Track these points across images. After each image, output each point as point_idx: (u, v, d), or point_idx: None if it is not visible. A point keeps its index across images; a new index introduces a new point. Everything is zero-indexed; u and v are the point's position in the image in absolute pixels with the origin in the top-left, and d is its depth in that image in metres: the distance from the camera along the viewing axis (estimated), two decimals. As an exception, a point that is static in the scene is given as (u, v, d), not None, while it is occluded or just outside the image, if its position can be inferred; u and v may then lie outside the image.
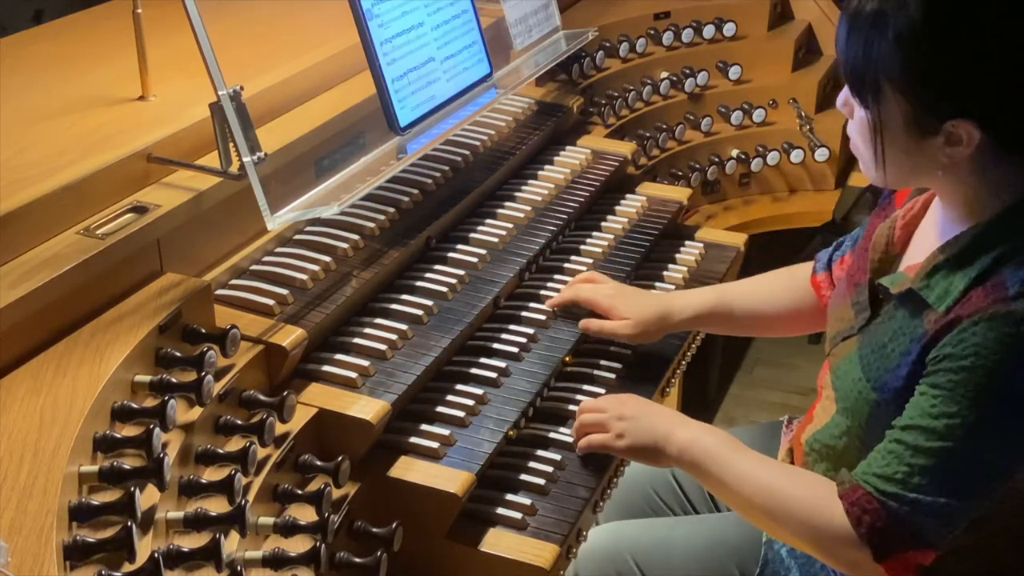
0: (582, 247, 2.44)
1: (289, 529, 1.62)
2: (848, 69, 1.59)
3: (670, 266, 2.50)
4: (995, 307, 1.50)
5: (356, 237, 2.11)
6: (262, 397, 1.74)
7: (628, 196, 2.68)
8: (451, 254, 2.25)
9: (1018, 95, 1.51)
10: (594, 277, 2.25)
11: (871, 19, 1.52)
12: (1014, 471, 1.57)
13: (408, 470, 1.79)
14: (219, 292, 1.90)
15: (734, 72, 3.32)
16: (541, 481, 1.88)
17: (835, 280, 2.02)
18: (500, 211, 2.42)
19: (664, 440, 1.81)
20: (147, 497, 1.45)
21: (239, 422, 1.68)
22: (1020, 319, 1.48)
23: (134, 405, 1.54)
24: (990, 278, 1.54)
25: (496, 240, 2.32)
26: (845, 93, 1.63)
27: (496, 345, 2.10)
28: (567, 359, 2.14)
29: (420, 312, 2.05)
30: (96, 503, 1.38)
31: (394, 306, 2.06)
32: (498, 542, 1.76)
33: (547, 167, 2.64)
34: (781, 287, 2.15)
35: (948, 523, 1.56)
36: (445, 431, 1.86)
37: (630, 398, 1.94)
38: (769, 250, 3.30)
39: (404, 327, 2.00)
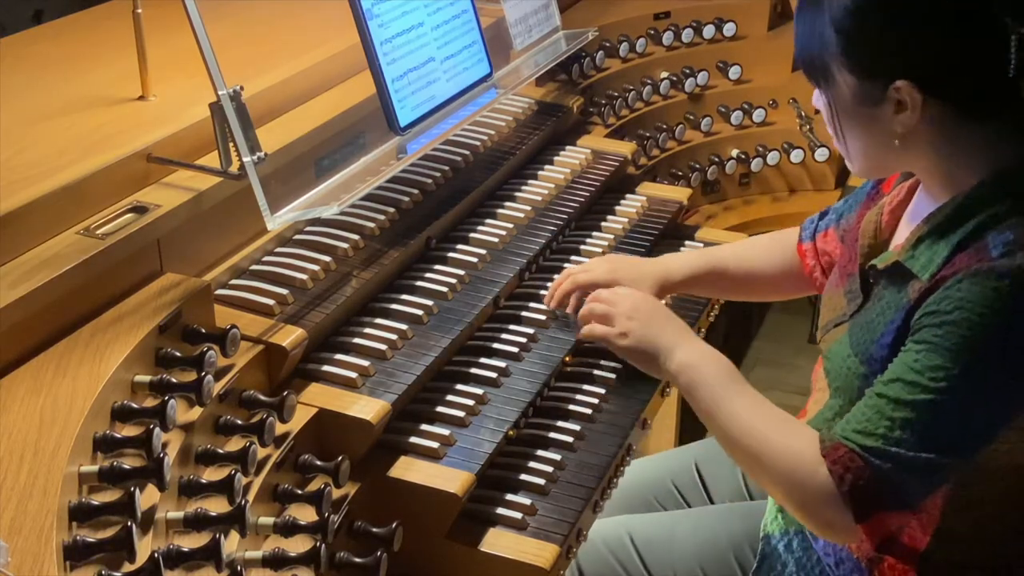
0: (582, 247, 2.44)
1: (289, 529, 1.62)
2: (801, 58, 1.68)
3: (670, 266, 2.49)
4: (979, 265, 1.52)
5: (356, 237, 2.11)
6: (262, 397, 1.74)
7: (628, 196, 2.68)
8: (451, 254, 2.25)
9: (943, 49, 1.54)
10: (586, 271, 2.17)
11: (813, 4, 1.64)
12: (997, 429, 1.56)
13: (408, 470, 1.79)
14: (219, 292, 1.90)
15: (734, 72, 3.32)
16: (541, 481, 1.88)
17: (819, 252, 2.04)
18: (500, 211, 2.42)
19: (666, 353, 1.81)
20: (147, 497, 1.45)
21: (239, 422, 1.68)
22: (1004, 274, 1.50)
23: (134, 405, 1.54)
24: (973, 243, 1.56)
25: (496, 240, 2.32)
26: (816, 91, 1.70)
27: (496, 345, 2.10)
28: (567, 359, 2.14)
29: (420, 312, 2.05)
30: (96, 503, 1.38)
31: (394, 306, 2.06)
32: (498, 542, 1.76)
33: (547, 167, 2.64)
34: (769, 251, 2.18)
35: (928, 481, 1.56)
36: (445, 431, 1.86)
37: (645, 299, 1.93)
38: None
39: (404, 327, 2.00)
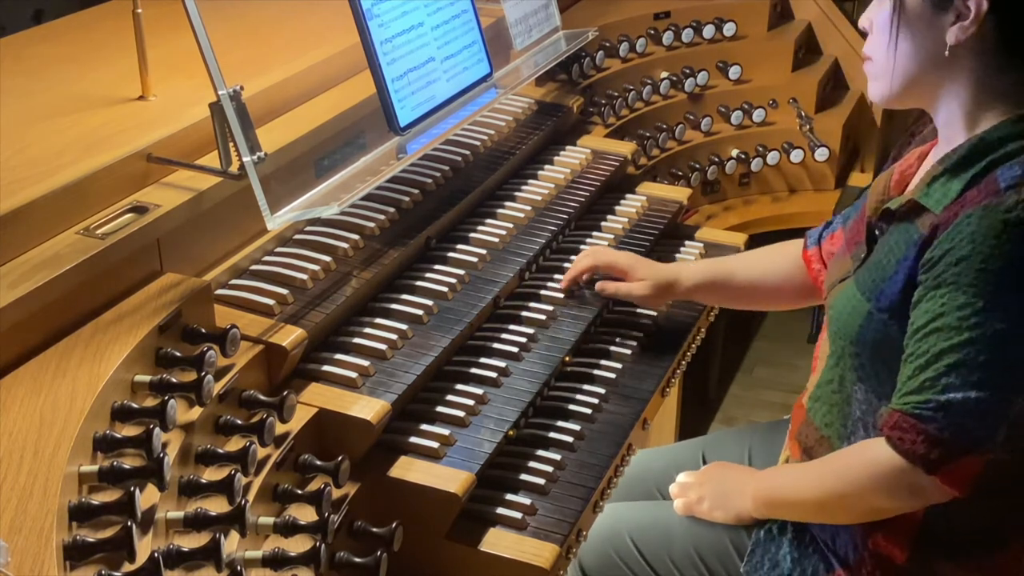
0: (582, 247, 2.43)
1: (289, 529, 1.62)
2: None
3: (670, 266, 2.49)
4: (987, 200, 1.57)
5: (356, 237, 2.11)
6: (262, 397, 1.74)
7: (628, 196, 2.68)
8: (451, 254, 2.25)
9: None
10: (605, 251, 2.33)
11: None
12: None
13: (408, 470, 1.79)
14: (219, 292, 1.90)
15: (734, 72, 3.32)
16: (541, 481, 1.88)
17: (824, 255, 2.07)
18: (500, 211, 2.42)
19: (741, 504, 1.90)
20: (147, 497, 1.45)
21: (239, 422, 1.68)
22: (1012, 205, 1.55)
23: (134, 405, 1.54)
24: (983, 178, 1.61)
25: (496, 240, 2.32)
26: (867, 11, 1.74)
27: (496, 345, 2.10)
28: (567, 359, 2.14)
29: (420, 312, 2.05)
30: (96, 503, 1.38)
31: (394, 306, 2.06)
32: (498, 542, 1.76)
33: (547, 167, 2.64)
34: (774, 261, 2.22)
35: (988, 420, 1.58)
36: (445, 431, 1.86)
37: (709, 470, 2.01)
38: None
39: (404, 327, 2.00)
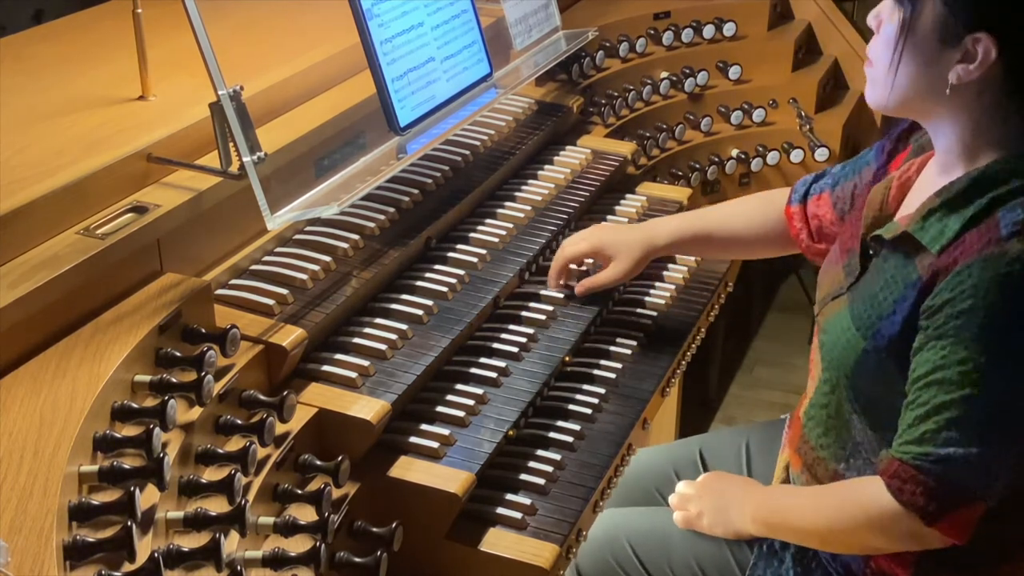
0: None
1: (289, 529, 1.62)
2: None
3: (670, 265, 2.49)
4: (988, 249, 1.53)
5: (356, 237, 2.11)
6: (262, 397, 1.74)
7: (628, 196, 2.68)
8: (451, 254, 2.25)
9: None
10: (574, 244, 2.27)
11: None
12: None
13: (408, 470, 1.79)
14: (219, 292, 1.90)
15: (734, 72, 3.31)
16: (541, 481, 1.88)
17: (808, 216, 2.05)
18: (500, 211, 2.42)
19: (740, 520, 1.88)
20: (147, 497, 1.45)
21: (239, 422, 1.68)
22: (1014, 259, 1.51)
23: (134, 405, 1.54)
24: (984, 219, 1.56)
25: (496, 240, 2.32)
26: (879, 6, 1.66)
27: (496, 345, 2.10)
28: (567, 359, 2.14)
29: (420, 312, 2.05)
30: (96, 503, 1.38)
31: (394, 306, 2.06)
32: (498, 542, 1.76)
33: (547, 167, 2.64)
34: (758, 212, 2.20)
35: (987, 473, 1.57)
36: (445, 431, 1.86)
37: (708, 482, 1.98)
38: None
39: (404, 327, 2.00)
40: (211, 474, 1.60)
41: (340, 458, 1.72)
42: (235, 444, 1.67)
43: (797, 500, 1.83)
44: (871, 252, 1.74)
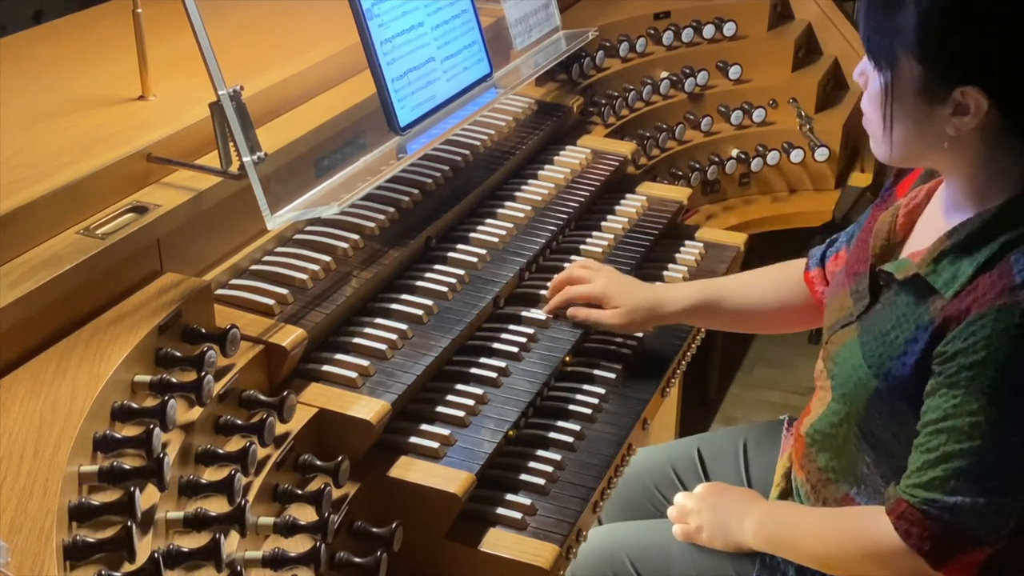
0: (582, 247, 2.44)
1: (289, 529, 1.62)
2: (867, 35, 1.59)
3: (670, 266, 2.49)
4: (1002, 299, 1.51)
5: (356, 237, 2.11)
6: (262, 397, 1.74)
7: (628, 196, 2.68)
8: (451, 254, 2.25)
9: None
10: (585, 269, 2.23)
11: None
12: None
13: (408, 470, 1.79)
14: (219, 292, 1.90)
15: (734, 72, 3.32)
16: (541, 481, 1.88)
17: (828, 276, 2.01)
18: (500, 211, 2.42)
19: (738, 534, 1.87)
20: (147, 497, 1.45)
21: (239, 422, 1.68)
22: None
23: (134, 405, 1.54)
24: (997, 264, 1.54)
25: (496, 240, 2.32)
26: (862, 63, 1.63)
27: (496, 345, 2.10)
28: (567, 359, 2.14)
29: (420, 312, 2.05)
30: (96, 503, 1.38)
31: (394, 306, 2.06)
32: (498, 542, 1.76)
33: (547, 167, 2.64)
34: (773, 283, 2.14)
35: (994, 521, 1.57)
36: (445, 431, 1.86)
37: (707, 494, 1.96)
38: (769, 250, 3.30)
39: (404, 327, 2.00)
40: (211, 474, 1.60)
41: (340, 458, 1.71)
42: (235, 444, 1.67)
43: (802, 520, 1.81)
44: (880, 282, 1.72)
